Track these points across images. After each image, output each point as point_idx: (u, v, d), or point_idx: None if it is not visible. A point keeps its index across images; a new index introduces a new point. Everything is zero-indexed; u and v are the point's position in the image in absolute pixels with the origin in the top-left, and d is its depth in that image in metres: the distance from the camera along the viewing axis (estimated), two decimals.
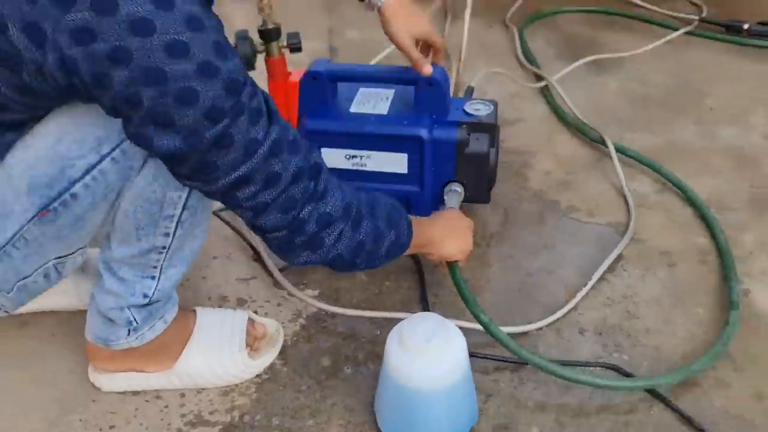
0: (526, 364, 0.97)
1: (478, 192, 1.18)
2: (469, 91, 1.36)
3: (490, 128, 1.16)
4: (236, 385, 0.97)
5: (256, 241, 1.19)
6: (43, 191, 0.73)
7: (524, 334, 1.04)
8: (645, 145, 1.46)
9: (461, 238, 1.03)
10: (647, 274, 1.15)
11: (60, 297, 1.07)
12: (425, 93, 1.14)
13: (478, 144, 1.14)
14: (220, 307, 1.09)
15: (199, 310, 1.01)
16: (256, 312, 1.08)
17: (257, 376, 0.99)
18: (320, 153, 0.98)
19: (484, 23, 2.03)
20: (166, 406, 0.95)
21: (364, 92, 1.21)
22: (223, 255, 1.20)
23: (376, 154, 1.15)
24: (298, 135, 0.78)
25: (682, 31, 1.92)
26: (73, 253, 0.83)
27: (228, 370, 0.97)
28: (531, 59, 1.80)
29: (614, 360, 1.00)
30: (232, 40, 0.92)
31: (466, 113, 1.17)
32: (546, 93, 1.65)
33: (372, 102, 1.19)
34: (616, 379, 0.97)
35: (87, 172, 0.73)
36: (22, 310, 1.02)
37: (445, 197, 1.16)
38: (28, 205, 0.74)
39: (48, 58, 0.63)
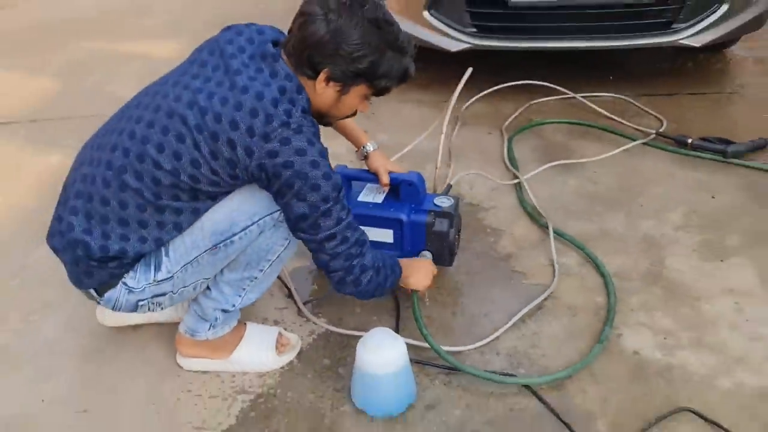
0: (454, 369, 1.49)
1: (442, 258, 1.73)
2: (448, 187, 1.93)
3: (449, 216, 1.71)
4: (267, 372, 1.53)
5: (289, 283, 1.76)
6: (217, 237, 1.34)
7: (458, 352, 1.56)
8: (581, 230, 1.98)
9: (422, 275, 1.58)
10: (554, 320, 1.66)
11: (170, 311, 1.66)
12: (406, 190, 1.71)
13: (441, 225, 1.70)
14: (262, 323, 1.66)
15: (248, 323, 1.59)
16: (285, 329, 1.64)
17: (281, 367, 1.54)
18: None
19: (485, 130, 2.61)
20: (222, 381, 1.52)
21: (369, 187, 1.80)
22: (267, 292, 1.78)
23: (372, 229, 1.72)
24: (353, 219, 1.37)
25: (638, 142, 2.44)
26: (209, 278, 1.42)
27: (263, 362, 1.53)
28: (513, 161, 2.35)
29: (519, 375, 1.50)
30: None
31: (435, 204, 1.73)
32: (518, 188, 2.20)
33: (373, 194, 1.77)
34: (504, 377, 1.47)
35: (243, 230, 1.34)
36: (139, 320, 1.63)
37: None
38: (207, 243, 1.34)
39: (252, 164, 1.25)
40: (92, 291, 1.38)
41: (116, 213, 1.30)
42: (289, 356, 1.56)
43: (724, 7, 2.67)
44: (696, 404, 1.40)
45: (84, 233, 1.30)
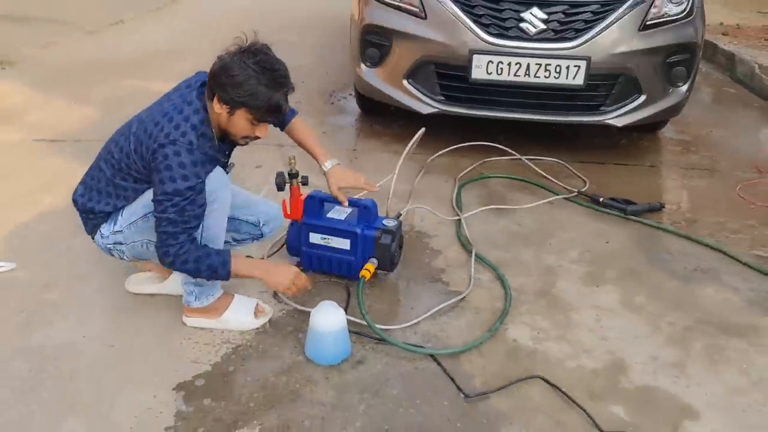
0: (381, 340, 2.07)
1: (384, 264, 2.32)
2: (398, 215, 2.54)
3: (392, 233, 2.31)
4: (247, 330, 2.11)
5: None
6: (146, 209, 1.95)
7: (386, 329, 2.13)
8: (498, 257, 2.57)
9: (280, 277, 2.03)
10: (462, 316, 2.24)
11: (172, 286, 2.25)
12: (363, 212, 2.32)
13: (385, 239, 2.30)
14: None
15: (236, 295, 2.17)
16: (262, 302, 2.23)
17: (257, 329, 2.12)
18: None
19: (443, 178, 3.24)
20: (213, 335, 2.10)
21: (337, 209, 2.41)
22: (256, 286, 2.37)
23: (334, 239, 2.33)
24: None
25: (561, 196, 3.06)
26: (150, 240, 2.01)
27: (243, 322, 2.11)
28: (458, 203, 2.97)
29: (426, 347, 2.08)
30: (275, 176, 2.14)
31: (383, 224, 2.34)
32: (457, 223, 2.80)
33: (338, 213, 2.38)
34: (415, 348, 2.05)
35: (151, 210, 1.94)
36: (153, 291, 2.23)
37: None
38: (140, 212, 1.98)
39: (147, 157, 1.89)
40: (90, 236, 2.10)
41: (95, 186, 2.05)
42: (264, 320, 2.14)
43: (643, 97, 3.33)
44: (547, 375, 1.97)
45: (79, 196, 2.08)
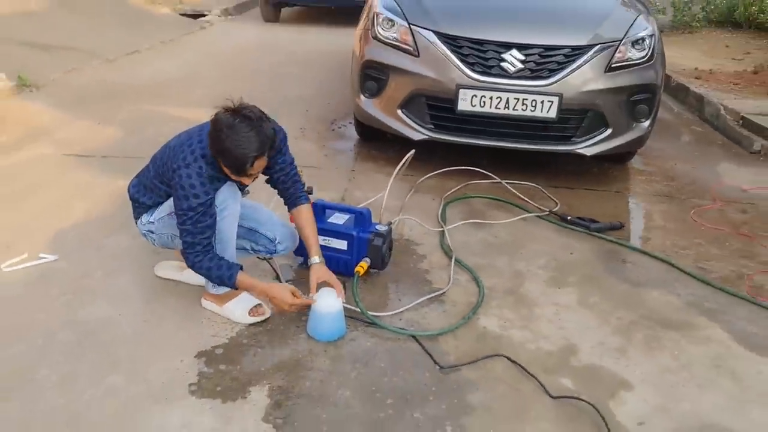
0: (371, 323, 2.45)
1: (376, 263, 2.71)
2: (389, 223, 2.94)
3: (383, 236, 2.71)
4: (245, 324, 2.49)
5: (278, 270, 2.74)
6: (172, 208, 2.35)
7: (376, 315, 2.51)
8: (475, 262, 2.96)
9: (277, 298, 2.35)
10: (441, 307, 2.62)
11: (190, 274, 2.63)
12: (359, 218, 2.73)
13: (377, 241, 2.70)
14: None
15: (244, 292, 2.54)
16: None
17: (256, 323, 2.49)
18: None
19: (431, 197, 3.65)
20: (221, 320, 2.48)
21: (337, 215, 2.81)
22: (261, 273, 2.75)
23: (334, 240, 2.72)
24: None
25: (534, 214, 3.47)
26: (178, 236, 2.38)
27: (237, 316, 2.46)
28: (443, 217, 3.37)
29: (409, 330, 2.46)
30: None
31: (376, 229, 2.74)
32: (441, 234, 3.20)
33: (338, 218, 2.78)
34: (400, 330, 2.42)
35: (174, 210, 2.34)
36: (180, 278, 2.62)
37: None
38: (167, 210, 2.39)
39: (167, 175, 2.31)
40: (135, 221, 2.53)
41: (143, 181, 2.49)
42: (258, 319, 2.46)
43: (609, 130, 3.77)
44: (510, 354, 2.35)
45: (132, 187, 2.54)
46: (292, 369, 2.23)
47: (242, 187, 2.47)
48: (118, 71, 6.21)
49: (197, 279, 2.61)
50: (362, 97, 3.97)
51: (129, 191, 2.54)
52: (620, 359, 2.38)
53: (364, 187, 3.69)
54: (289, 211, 2.61)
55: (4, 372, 2.14)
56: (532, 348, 2.42)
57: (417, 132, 3.83)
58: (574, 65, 3.61)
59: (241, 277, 2.34)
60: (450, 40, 3.66)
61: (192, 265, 2.33)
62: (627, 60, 3.72)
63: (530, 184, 3.87)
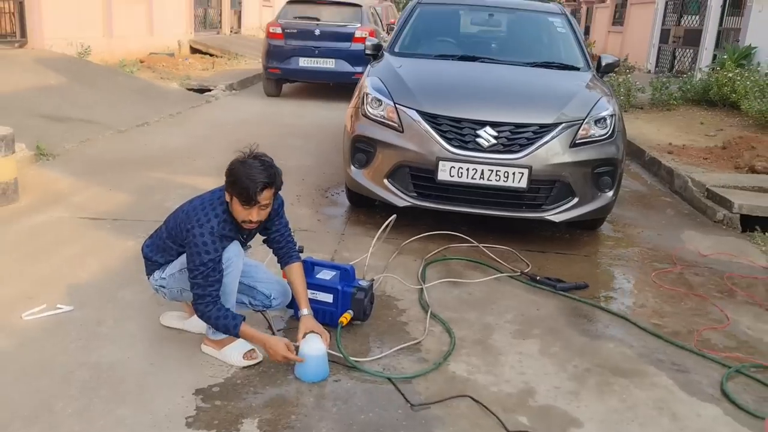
0: (352, 367, 2.75)
1: (359, 315, 3.04)
2: (371, 279, 3.28)
3: (365, 291, 3.04)
4: (239, 367, 2.79)
5: (270, 321, 3.06)
6: (183, 265, 2.70)
7: (357, 360, 2.82)
8: (449, 316, 3.27)
9: (272, 349, 2.69)
10: (415, 356, 2.92)
11: (198, 324, 2.95)
12: (343, 274, 3.07)
13: (359, 295, 3.03)
14: None
15: (239, 339, 2.86)
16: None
17: (249, 366, 2.79)
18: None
19: (413, 258, 3.99)
20: (218, 362, 2.78)
21: (325, 271, 3.15)
22: (255, 323, 3.07)
23: (320, 293, 3.05)
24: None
25: (506, 274, 3.81)
26: (187, 290, 2.74)
27: (233, 360, 2.76)
28: (423, 276, 3.71)
29: (386, 373, 2.75)
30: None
31: (359, 284, 3.08)
32: (420, 291, 3.53)
33: (326, 274, 3.12)
34: (378, 372, 2.72)
35: (184, 267, 2.70)
36: (183, 327, 2.94)
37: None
38: (178, 267, 2.73)
39: (181, 235, 2.68)
40: (147, 276, 2.83)
41: (156, 242, 2.82)
42: (251, 362, 2.75)
43: (576, 199, 4.15)
44: (474, 395, 2.64)
45: (146, 247, 2.87)
46: (280, 405, 2.52)
47: (244, 242, 2.82)
48: (128, 142, 6.66)
49: (198, 327, 2.93)
50: (352, 167, 4.37)
51: (143, 251, 2.88)
52: (573, 401, 2.67)
53: (352, 248, 4.04)
54: (282, 268, 2.95)
55: (28, 403, 2.44)
56: (494, 390, 2.71)
57: (402, 199, 4.20)
58: (542, 141, 4.02)
59: (244, 328, 2.67)
60: (431, 118, 4.09)
61: (201, 314, 2.65)
62: (590, 137, 4.14)
63: (505, 247, 4.23)
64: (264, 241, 2.95)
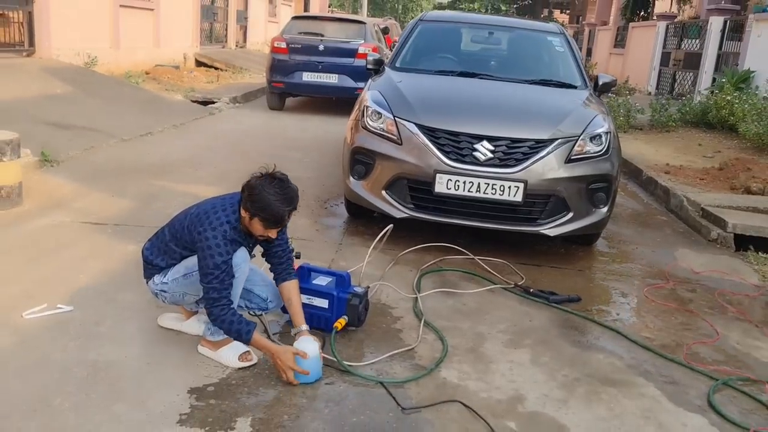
0: (345, 371, 2.80)
1: (353, 321, 3.09)
2: (367, 287, 3.34)
3: (360, 297, 3.10)
4: (234, 368, 2.84)
5: (267, 324, 3.11)
6: (186, 270, 2.78)
7: (350, 364, 2.87)
8: (442, 325, 3.33)
9: (280, 359, 2.72)
10: (408, 362, 2.97)
11: (190, 326, 3.01)
12: (339, 280, 3.13)
13: (354, 301, 3.08)
14: None
15: (234, 341, 2.91)
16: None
17: (244, 368, 2.84)
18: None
19: (409, 268, 4.05)
20: (214, 363, 2.83)
21: (321, 277, 3.21)
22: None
23: (316, 299, 3.11)
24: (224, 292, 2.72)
25: (499, 286, 3.87)
26: (189, 294, 2.81)
27: (228, 361, 2.82)
28: (418, 286, 3.76)
29: (378, 378, 2.80)
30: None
31: (354, 290, 3.13)
32: (415, 300, 3.59)
33: (322, 280, 3.18)
34: (370, 376, 2.77)
35: (189, 271, 2.77)
36: (180, 328, 2.99)
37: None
38: (182, 271, 2.79)
39: (190, 239, 2.74)
40: (145, 280, 2.87)
41: (158, 245, 2.86)
42: (246, 364, 2.80)
43: (570, 214, 4.21)
44: (464, 401, 2.69)
45: (146, 250, 2.91)
46: (273, 405, 2.57)
47: (251, 249, 2.88)
48: (131, 150, 6.74)
49: (195, 329, 2.99)
50: (351, 179, 4.44)
51: (143, 254, 2.93)
52: (561, 408, 2.72)
53: (349, 258, 4.10)
54: (277, 284, 2.98)
55: (27, 398, 2.49)
56: (484, 396, 2.76)
57: (399, 211, 4.27)
58: (538, 156, 4.10)
59: (256, 336, 2.70)
60: (429, 132, 4.17)
61: (215, 318, 2.68)
62: (585, 153, 4.21)
63: (500, 260, 4.28)
64: (263, 254, 2.99)
